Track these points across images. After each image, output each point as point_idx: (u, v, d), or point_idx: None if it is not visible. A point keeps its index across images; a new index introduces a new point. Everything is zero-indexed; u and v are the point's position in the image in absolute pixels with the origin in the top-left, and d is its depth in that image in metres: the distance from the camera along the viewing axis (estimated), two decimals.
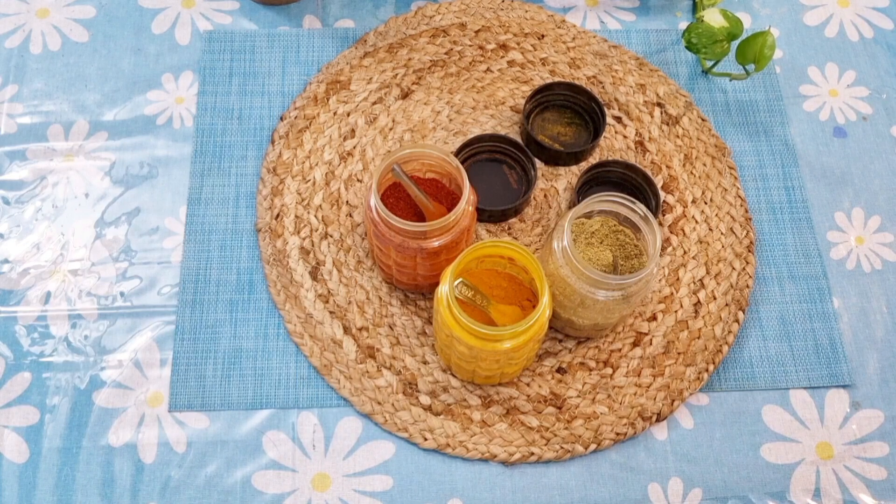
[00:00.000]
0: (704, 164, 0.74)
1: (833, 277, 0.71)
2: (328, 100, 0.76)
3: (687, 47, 0.75)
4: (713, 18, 0.75)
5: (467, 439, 0.63)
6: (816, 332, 0.69)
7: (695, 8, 0.83)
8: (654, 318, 0.68)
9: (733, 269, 0.70)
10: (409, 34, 0.79)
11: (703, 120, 0.76)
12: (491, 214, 0.70)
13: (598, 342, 0.67)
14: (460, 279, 0.55)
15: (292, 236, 0.70)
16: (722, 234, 0.71)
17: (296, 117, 0.75)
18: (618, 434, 0.64)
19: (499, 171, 0.73)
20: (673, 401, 0.65)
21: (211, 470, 0.62)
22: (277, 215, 0.71)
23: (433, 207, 0.60)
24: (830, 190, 0.75)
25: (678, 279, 0.69)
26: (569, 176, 0.73)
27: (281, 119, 0.75)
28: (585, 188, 0.71)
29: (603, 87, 0.77)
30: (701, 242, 0.71)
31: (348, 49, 0.78)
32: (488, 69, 0.78)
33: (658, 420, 0.64)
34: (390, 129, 0.75)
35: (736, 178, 0.74)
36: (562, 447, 0.63)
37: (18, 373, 0.65)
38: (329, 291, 0.68)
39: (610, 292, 0.57)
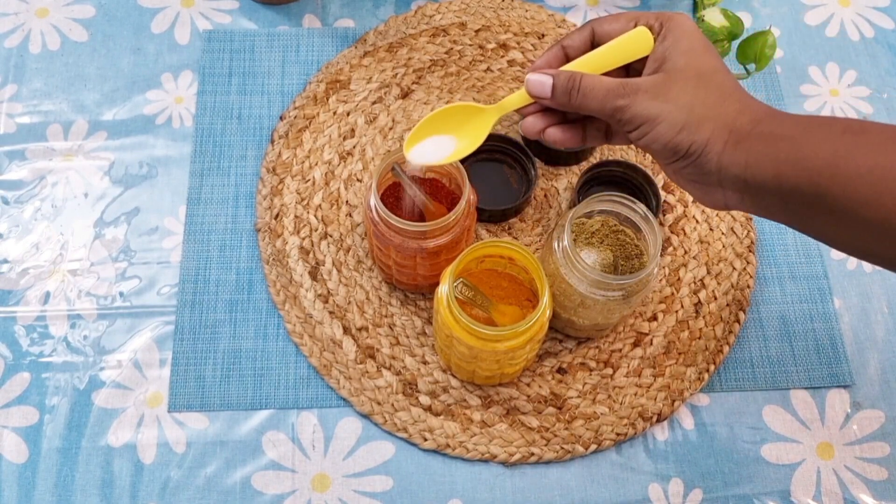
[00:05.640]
0: None
1: (834, 277, 0.71)
2: (328, 99, 0.75)
3: None
4: (714, 18, 0.75)
5: (467, 440, 0.63)
6: (817, 333, 0.69)
7: (695, 7, 0.82)
8: (654, 318, 0.68)
9: (734, 269, 0.70)
10: (408, 33, 0.79)
11: None
12: (491, 214, 0.70)
13: (599, 342, 0.67)
14: (460, 279, 0.55)
15: (292, 236, 0.70)
16: (723, 233, 0.71)
17: (295, 117, 0.75)
18: (618, 434, 0.64)
19: (499, 171, 0.73)
20: (673, 401, 0.65)
21: (210, 470, 0.62)
22: (277, 215, 0.71)
23: (433, 207, 0.60)
24: None
25: (679, 279, 0.69)
26: (569, 176, 0.73)
27: (280, 118, 0.75)
28: (586, 188, 0.71)
29: None
30: (702, 242, 0.71)
31: (348, 48, 0.78)
32: (488, 69, 0.78)
33: (658, 420, 0.64)
34: (390, 128, 0.75)
35: None
36: (562, 447, 0.63)
37: (18, 373, 0.65)
38: (329, 291, 0.68)
39: (610, 292, 0.57)
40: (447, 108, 0.52)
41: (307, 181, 0.72)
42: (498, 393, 0.65)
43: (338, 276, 0.69)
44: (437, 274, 0.59)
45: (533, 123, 0.51)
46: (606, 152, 0.75)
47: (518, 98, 0.51)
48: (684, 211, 0.72)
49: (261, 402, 0.65)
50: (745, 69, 0.76)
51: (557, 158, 0.73)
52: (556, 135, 0.51)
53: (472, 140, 0.52)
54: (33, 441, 0.63)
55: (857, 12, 0.83)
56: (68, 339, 0.66)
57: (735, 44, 0.76)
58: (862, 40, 0.82)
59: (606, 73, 0.48)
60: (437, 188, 0.63)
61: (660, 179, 0.73)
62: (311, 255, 0.69)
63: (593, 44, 0.50)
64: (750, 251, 0.71)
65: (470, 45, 0.79)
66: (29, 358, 0.66)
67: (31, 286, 0.68)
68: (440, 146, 0.52)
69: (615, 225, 0.60)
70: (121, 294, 0.68)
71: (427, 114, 0.52)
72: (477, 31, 0.79)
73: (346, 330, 0.67)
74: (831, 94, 0.79)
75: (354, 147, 0.74)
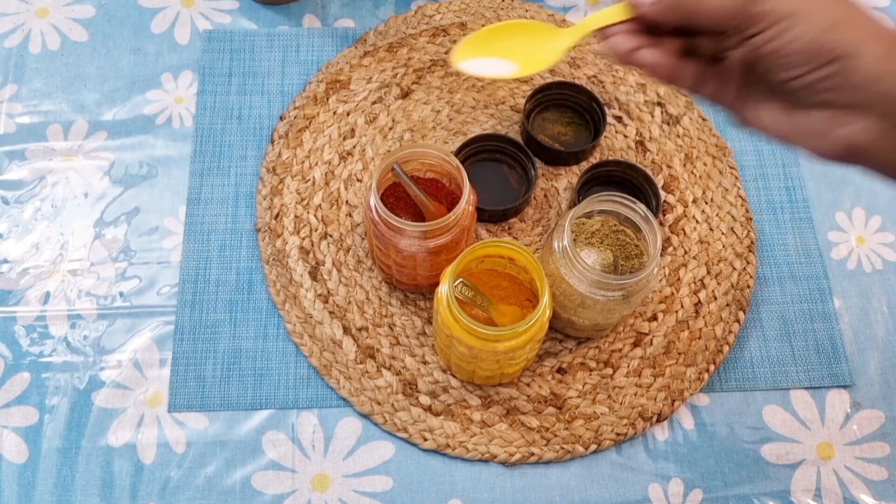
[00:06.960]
0: (705, 164, 0.74)
1: (834, 277, 0.71)
2: (328, 99, 0.75)
3: None
4: None
5: (467, 440, 0.63)
6: (817, 333, 0.69)
7: None
8: (654, 318, 0.68)
9: (734, 269, 0.70)
10: (409, 33, 0.79)
11: (703, 119, 0.76)
12: (491, 214, 0.70)
13: (599, 342, 0.67)
14: (460, 279, 0.55)
15: (292, 236, 0.70)
16: (723, 233, 0.71)
17: (295, 117, 0.75)
18: (618, 434, 0.64)
19: (499, 171, 0.73)
20: (673, 401, 0.65)
21: (210, 470, 0.62)
22: (277, 215, 0.71)
23: (433, 207, 0.60)
24: (831, 190, 0.75)
25: (679, 279, 0.69)
26: (569, 176, 0.73)
27: (280, 118, 0.75)
28: (586, 188, 0.71)
29: (603, 87, 0.77)
30: (702, 242, 0.71)
31: (348, 48, 0.78)
32: None
33: (658, 420, 0.64)
34: (390, 128, 0.75)
35: (737, 177, 0.74)
36: (562, 447, 0.63)
37: (17, 373, 0.65)
38: (329, 291, 0.68)
39: (610, 292, 0.57)
40: (513, 23, 0.46)
41: (307, 181, 0.72)
42: (498, 393, 0.65)
43: (338, 276, 0.69)
44: (437, 274, 0.59)
45: (624, 41, 0.43)
46: (606, 152, 0.75)
47: (606, 15, 0.43)
48: (684, 211, 0.72)
49: (261, 402, 0.65)
50: None
51: (557, 158, 0.73)
52: (649, 57, 0.43)
53: (535, 64, 0.46)
54: (33, 441, 0.63)
55: None
56: (68, 339, 0.66)
57: None
58: None
59: None
60: (437, 188, 0.63)
61: (660, 179, 0.73)
62: (311, 255, 0.69)
63: None
64: (750, 251, 0.71)
65: None
66: (29, 358, 0.66)
67: (31, 286, 0.68)
68: (495, 66, 0.47)
69: (615, 225, 0.60)
70: (121, 294, 0.68)
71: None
72: None
73: (346, 330, 0.67)
74: None
75: (354, 147, 0.74)
